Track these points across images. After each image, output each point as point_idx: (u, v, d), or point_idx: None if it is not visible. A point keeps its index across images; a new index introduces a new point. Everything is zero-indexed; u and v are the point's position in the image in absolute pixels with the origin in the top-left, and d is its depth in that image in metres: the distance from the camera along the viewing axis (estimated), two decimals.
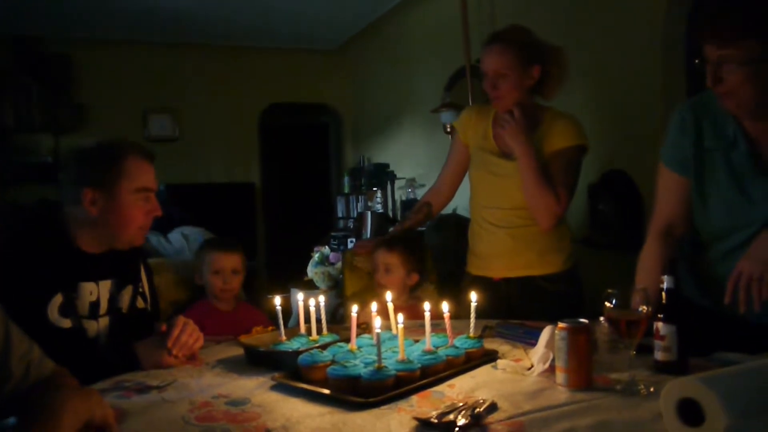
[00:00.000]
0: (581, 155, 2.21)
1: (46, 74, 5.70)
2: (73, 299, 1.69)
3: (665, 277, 1.39)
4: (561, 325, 1.33)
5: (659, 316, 1.37)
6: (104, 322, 1.77)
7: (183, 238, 3.45)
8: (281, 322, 1.68)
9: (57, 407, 1.00)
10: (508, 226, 2.23)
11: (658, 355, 1.38)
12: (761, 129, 1.58)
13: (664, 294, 1.39)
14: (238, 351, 1.70)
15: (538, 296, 2.20)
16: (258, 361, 1.61)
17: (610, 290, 1.32)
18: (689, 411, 1.00)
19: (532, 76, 2.16)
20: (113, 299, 1.79)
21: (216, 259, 2.31)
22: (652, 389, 1.25)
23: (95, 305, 1.74)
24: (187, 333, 1.65)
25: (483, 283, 2.19)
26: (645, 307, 1.29)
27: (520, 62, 2.14)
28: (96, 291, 1.74)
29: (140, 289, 1.89)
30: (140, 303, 1.88)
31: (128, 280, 1.84)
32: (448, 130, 4.25)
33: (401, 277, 2.30)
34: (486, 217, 2.29)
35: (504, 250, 2.24)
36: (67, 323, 1.65)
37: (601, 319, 1.38)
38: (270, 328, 1.81)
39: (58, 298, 1.64)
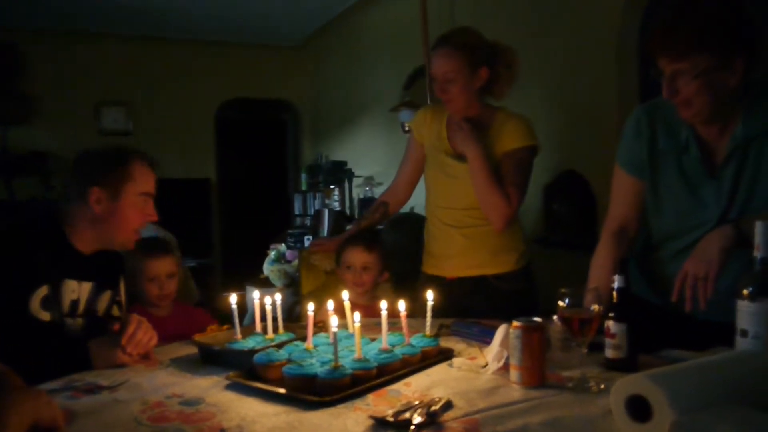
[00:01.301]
0: (532, 156, 2.24)
1: None
2: (58, 294, 1.70)
3: (616, 277, 1.43)
4: (515, 323, 1.35)
5: (610, 314, 1.40)
6: (80, 322, 1.77)
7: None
8: (236, 320, 1.66)
9: (2, 409, 0.98)
10: (462, 226, 2.25)
11: (609, 353, 1.41)
12: (713, 133, 1.63)
13: (615, 293, 1.42)
14: (192, 350, 1.68)
15: (492, 295, 2.23)
16: (212, 360, 1.59)
17: (563, 289, 1.34)
18: (638, 407, 1.03)
19: (481, 78, 2.19)
20: (91, 302, 1.81)
21: (149, 266, 2.22)
22: (602, 386, 1.28)
23: (75, 304, 1.76)
24: (141, 331, 1.63)
25: (437, 282, 2.21)
26: (597, 306, 1.32)
27: (468, 65, 2.16)
28: (78, 290, 1.76)
29: (118, 298, 1.90)
30: (116, 311, 1.88)
31: (108, 285, 1.86)
32: (407, 128, 4.26)
33: (376, 276, 2.32)
34: (440, 217, 2.31)
35: (457, 250, 2.26)
36: (46, 316, 1.66)
37: (555, 317, 1.40)
38: (225, 326, 1.79)
39: (43, 290, 1.65)
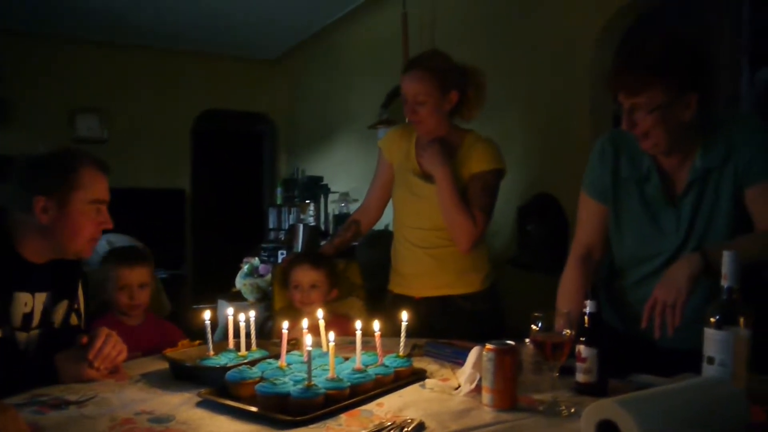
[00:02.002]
0: (498, 179, 2.26)
1: None
2: (7, 309, 1.62)
3: (588, 302, 1.45)
4: (488, 346, 1.36)
5: (581, 339, 1.42)
6: (35, 334, 1.70)
7: (107, 245, 3.33)
8: (210, 336, 1.65)
9: None
10: (428, 246, 2.27)
11: (580, 377, 1.43)
12: (673, 164, 1.69)
13: (586, 318, 1.44)
14: (164, 365, 1.66)
15: (457, 315, 2.26)
16: (184, 376, 1.57)
17: (536, 314, 1.36)
18: None
19: (451, 100, 2.22)
20: (47, 312, 1.73)
21: (121, 275, 2.20)
22: (573, 410, 1.29)
23: (28, 317, 1.68)
24: (110, 345, 1.60)
25: (404, 302, 2.23)
26: (568, 331, 1.34)
27: (438, 89, 2.19)
28: (31, 302, 1.68)
29: (75, 306, 1.83)
30: (74, 320, 1.82)
31: (65, 294, 1.78)
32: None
33: (324, 294, 2.31)
34: (407, 237, 2.33)
35: (424, 270, 2.29)
36: None
37: (527, 340, 1.42)
38: (197, 342, 1.77)
39: None
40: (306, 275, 2.29)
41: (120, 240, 3.38)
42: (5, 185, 1.70)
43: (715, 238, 1.61)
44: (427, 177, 2.27)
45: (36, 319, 1.70)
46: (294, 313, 2.22)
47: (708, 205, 1.65)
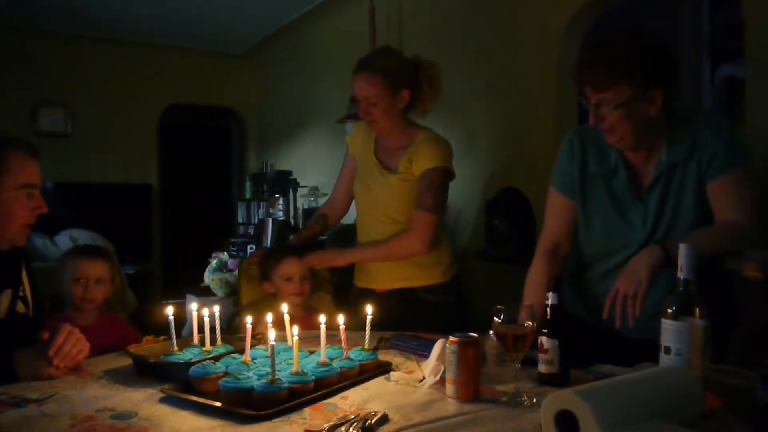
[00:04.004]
0: (444, 177, 2.26)
1: None
2: None
3: (550, 294, 1.47)
4: (451, 338, 1.37)
5: (543, 330, 1.44)
6: None
7: (71, 242, 3.29)
8: (173, 331, 1.63)
9: None
10: (387, 239, 2.29)
11: (542, 368, 1.45)
12: (640, 159, 1.72)
13: (548, 310, 1.46)
14: (127, 361, 1.64)
15: (419, 307, 2.28)
16: (147, 372, 1.56)
17: (498, 306, 1.38)
18: (567, 422, 1.06)
19: (402, 99, 2.24)
20: None
21: (79, 267, 2.15)
22: (534, 400, 1.31)
23: None
24: (71, 342, 1.57)
25: (368, 295, 2.24)
26: (530, 323, 1.36)
27: (389, 89, 2.20)
28: None
29: (21, 293, 1.78)
30: (21, 308, 1.77)
31: (7, 283, 1.73)
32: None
33: (311, 284, 2.33)
34: (367, 231, 2.36)
35: (384, 264, 2.31)
36: None
37: (490, 332, 1.44)
38: (161, 337, 1.76)
39: None
40: (298, 267, 2.29)
41: (83, 236, 3.35)
42: None
43: (681, 232, 1.65)
44: (385, 170, 2.29)
45: None
46: (262, 307, 2.21)
47: (673, 199, 1.68)
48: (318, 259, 2.31)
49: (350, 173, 2.47)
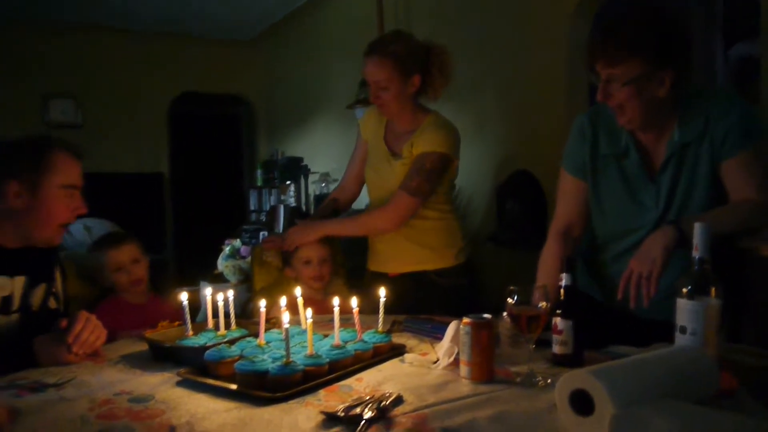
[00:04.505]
0: (440, 162, 2.23)
1: None
2: None
3: (563, 275, 1.47)
4: (465, 320, 1.37)
5: (557, 311, 1.44)
6: (15, 318, 1.70)
7: (85, 231, 3.30)
8: (188, 316, 1.65)
9: None
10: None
11: (556, 349, 1.45)
12: (651, 139, 1.70)
13: (562, 291, 1.46)
14: (143, 347, 1.66)
15: (432, 290, 2.29)
16: (163, 356, 1.57)
17: (512, 287, 1.38)
18: (581, 401, 1.06)
19: (414, 84, 2.23)
20: (25, 296, 1.73)
21: (113, 257, 2.24)
22: (549, 381, 1.31)
23: (8, 300, 1.68)
24: (88, 330, 1.59)
25: (381, 279, 2.24)
26: (544, 303, 1.36)
27: (400, 74, 2.19)
28: (9, 286, 1.69)
29: (53, 290, 1.83)
30: (52, 303, 1.82)
31: (41, 278, 1.79)
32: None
33: (331, 268, 2.34)
34: None
35: (397, 247, 2.32)
36: None
37: (504, 314, 1.44)
38: (176, 322, 1.78)
39: None
40: (317, 251, 2.30)
41: (97, 225, 3.36)
42: None
43: (694, 212, 1.63)
44: (394, 155, 2.29)
45: (16, 302, 1.70)
46: (276, 292, 2.22)
47: (686, 180, 1.67)
48: (297, 236, 2.29)
49: (362, 157, 2.47)
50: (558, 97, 3.08)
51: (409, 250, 2.30)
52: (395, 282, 2.27)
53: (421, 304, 2.10)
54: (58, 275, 1.87)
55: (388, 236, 2.31)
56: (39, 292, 1.78)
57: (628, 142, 1.72)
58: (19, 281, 1.71)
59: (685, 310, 1.29)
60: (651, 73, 1.57)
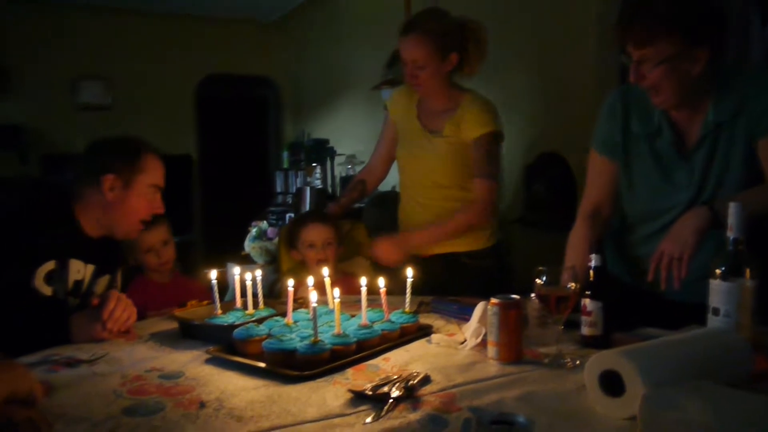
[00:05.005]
0: (497, 140, 2.24)
1: None
2: (64, 271, 1.73)
3: (593, 256, 1.45)
4: (493, 300, 1.37)
5: (586, 293, 1.42)
6: (76, 302, 1.80)
7: None
8: (216, 295, 1.67)
9: None
10: (432, 204, 2.29)
11: (585, 330, 1.44)
12: (685, 117, 1.66)
13: (591, 272, 1.44)
14: (172, 325, 1.68)
15: (463, 272, 2.28)
16: (192, 334, 1.60)
17: (540, 268, 1.36)
18: (611, 382, 1.05)
19: (451, 62, 2.20)
20: (91, 284, 1.84)
21: (143, 238, 2.28)
22: (578, 362, 1.30)
23: (79, 284, 1.79)
24: (120, 308, 1.63)
25: (411, 260, 2.23)
26: (573, 284, 1.34)
27: (437, 52, 2.16)
28: (83, 271, 1.80)
29: (114, 283, 1.94)
30: None
31: (108, 270, 1.90)
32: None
33: (336, 250, 2.34)
34: (411, 195, 2.34)
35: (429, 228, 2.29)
36: (48, 291, 1.68)
37: (532, 295, 1.43)
38: (205, 301, 1.80)
39: (49, 265, 1.68)
40: (320, 233, 2.31)
41: None
42: (75, 161, 1.89)
43: (728, 192, 1.59)
44: (430, 132, 2.26)
45: (84, 287, 1.81)
46: (302, 273, 2.24)
47: (721, 159, 1.62)
48: (387, 254, 2.24)
49: (389, 139, 2.45)
50: (587, 76, 3.03)
51: None
52: (426, 263, 2.27)
53: (451, 286, 2.09)
54: (119, 273, 1.98)
55: (421, 217, 2.30)
56: (103, 282, 1.88)
57: (660, 121, 1.68)
58: (90, 269, 1.82)
59: (718, 291, 1.27)
60: (684, 51, 1.52)
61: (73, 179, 1.83)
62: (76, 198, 1.79)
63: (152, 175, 1.86)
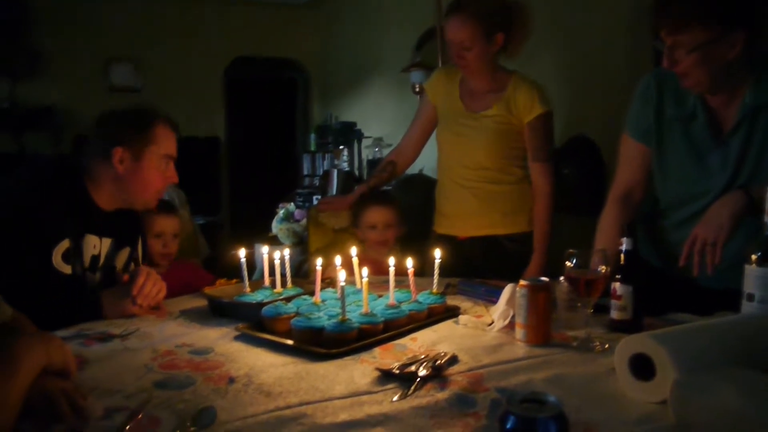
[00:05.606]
0: (551, 120, 2.26)
1: (0, 17, 5.46)
2: (79, 248, 1.71)
3: (624, 239, 1.43)
4: (522, 282, 1.36)
5: (617, 276, 1.41)
6: (99, 276, 1.79)
7: None
8: (245, 273, 1.68)
9: (15, 352, 1.00)
10: (472, 186, 2.27)
11: (614, 314, 1.42)
12: (721, 101, 1.62)
13: (622, 255, 1.42)
14: (202, 302, 1.70)
15: (501, 256, 2.26)
16: (221, 312, 1.61)
17: (571, 250, 1.35)
18: (641, 366, 1.04)
19: (497, 43, 2.18)
20: (110, 257, 1.83)
21: (158, 222, 2.26)
22: (607, 346, 1.29)
23: (96, 259, 1.78)
24: (150, 283, 1.65)
25: (448, 242, 2.23)
26: (604, 267, 1.33)
27: (484, 33, 2.15)
28: (99, 245, 1.78)
29: (135, 255, 1.92)
30: (133, 267, 1.89)
31: (127, 242, 1.89)
32: (417, 90, 4.23)
33: (397, 232, 2.35)
34: (451, 177, 2.32)
35: (469, 210, 2.28)
36: (67, 269, 1.66)
37: (561, 278, 1.41)
38: (234, 280, 1.81)
39: (65, 244, 1.66)
40: (382, 215, 2.33)
41: None
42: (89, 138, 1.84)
43: (765, 179, 1.56)
44: (473, 115, 2.25)
45: (101, 262, 1.80)
46: (331, 254, 2.24)
47: (758, 144, 1.58)
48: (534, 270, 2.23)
49: (425, 120, 2.44)
50: (620, 58, 2.98)
51: (482, 214, 2.27)
52: (463, 245, 2.26)
53: (490, 270, 2.08)
54: (140, 243, 1.97)
55: (460, 199, 2.30)
56: (123, 256, 1.87)
57: (696, 104, 1.64)
58: (107, 242, 1.81)
59: (753, 276, 1.24)
60: (720, 36, 1.48)
61: (85, 154, 1.80)
62: (88, 173, 1.76)
63: (164, 145, 1.81)
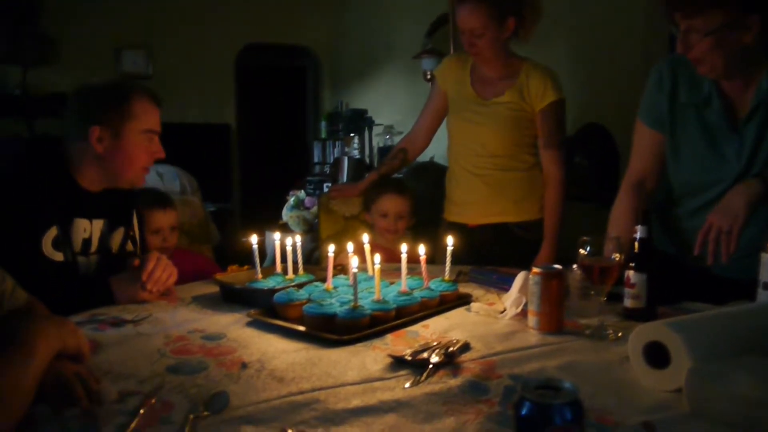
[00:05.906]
0: (564, 107, 2.25)
1: (10, 3, 5.46)
2: (68, 234, 1.67)
3: (638, 227, 1.42)
4: (535, 270, 1.35)
5: (631, 264, 1.40)
6: (94, 259, 1.76)
7: (158, 177, 3.40)
8: (257, 260, 1.68)
9: (30, 336, 1.00)
10: (483, 174, 2.26)
11: (628, 302, 1.42)
12: (737, 87, 1.60)
13: (636, 243, 1.41)
14: (214, 289, 1.71)
15: (513, 244, 2.25)
16: (233, 298, 1.61)
17: (585, 238, 1.34)
18: (656, 354, 1.03)
19: (509, 28, 2.16)
20: (104, 239, 1.79)
21: (155, 218, 2.23)
22: (620, 334, 1.28)
23: (87, 242, 1.74)
24: (160, 268, 1.64)
25: (458, 230, 2.22)
26: (618, 255, 1.32)
27: (495, 19, 2.13)
28: (89, 228, 1.74)
29: (131, 233, 1.89)
30: (130, 246, 1.88)
31: (120, 222, 1.84)
32: (428, 77, 4.20)
33: (408, 222, 2.35)
34: (462, 164, 2.31)
35: (479, 197, 2.27)
36: (59, 257, 1.64)
37: (574, 266, 1.40)
38: (246, 266, 1.81)
39: (53, 231, 1.62)
40: (395, 204, 2.33)
41: (169, 172, 3.45)
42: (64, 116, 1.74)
43: None
44: (485, 102, 2.24)
45: (94, 245, 1.76)
46: (342, 241, 2.24)
47: None
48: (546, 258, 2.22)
49: (436, 108, 2.42)
50: (634, 44, 2.95)
51: (493, 201, 2.26)
52: (474, 233, 2.26)
53: (500, 257, 2.07)
54: (135, 220, 1.92)
55: (470, 186, 2.29)
56: (117, 236, 1.83)
57: (711, 90, 1.62)
58: (98, 224, 1.76)
59: None
60: (735, 20, 1.45)
61: (64, 136, 1.72)
62: (69, 155, 1.69)
63: (144, 120, 1.71)
